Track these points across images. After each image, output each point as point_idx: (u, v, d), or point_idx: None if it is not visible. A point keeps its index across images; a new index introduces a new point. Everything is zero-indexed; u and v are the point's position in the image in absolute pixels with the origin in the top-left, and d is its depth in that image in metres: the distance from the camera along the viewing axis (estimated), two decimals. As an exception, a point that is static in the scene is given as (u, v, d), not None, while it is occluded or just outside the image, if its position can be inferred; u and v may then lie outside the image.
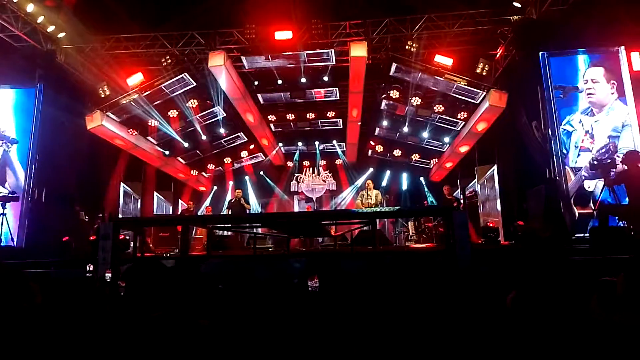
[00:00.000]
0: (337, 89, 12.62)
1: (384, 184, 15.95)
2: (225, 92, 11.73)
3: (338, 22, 10.69)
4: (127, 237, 9.41)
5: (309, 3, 10.42)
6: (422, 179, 15.94)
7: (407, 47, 10.55)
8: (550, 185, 9.01)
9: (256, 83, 12.19)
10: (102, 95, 11.25)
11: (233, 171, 16.55)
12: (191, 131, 13.27)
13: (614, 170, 7.23)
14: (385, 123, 13.36)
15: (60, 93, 10.67)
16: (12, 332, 2.25)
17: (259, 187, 16.90)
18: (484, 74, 10.57)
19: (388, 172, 16.22)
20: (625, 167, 6.46)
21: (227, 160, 15.76)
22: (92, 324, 2.44)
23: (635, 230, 5.98)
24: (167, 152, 13.60)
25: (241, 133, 14.49)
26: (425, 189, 15.71)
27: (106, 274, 5.61)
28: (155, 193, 15.06)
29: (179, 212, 15.07)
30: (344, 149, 16.21)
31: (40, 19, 10.09)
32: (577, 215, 8.53)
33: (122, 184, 13.57)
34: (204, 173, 16.16)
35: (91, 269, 5.80)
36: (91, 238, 8.73)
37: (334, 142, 16.15)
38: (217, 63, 10.43)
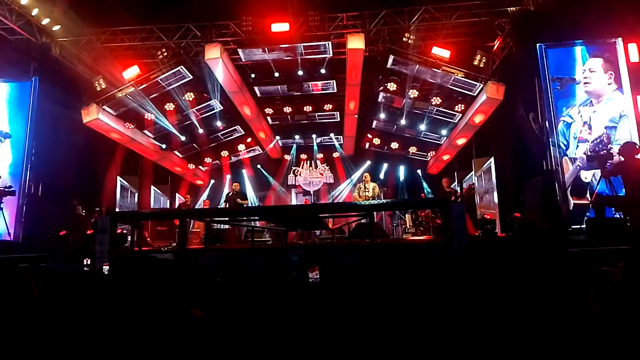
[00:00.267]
0: (334, 81, 12.58)
1: (381, 176, 15.95)
2: (222, 85, 11.67)
3: (335, 14, 10.64)
4: (125, 231, 9.41)
5: (306, -6, 10.36)
6: (419, 171, 15.94)
7: (404, 39, 10.52)
8: (547, 177, 9.04)
9: (253, 76, 12.14)
10: (98, 89, 11.19)
11: (230, 164, 16.52)
12: (188, 124, 13.22)
13: (611, 161, 7.24)
14: (382, 116, 13.35)
15: (56, 86, 10.60)
16: (10, 326, 2.25)
17: (257, 180, 16.88)
18: (482, 65, 10.57)
19: (385, 165, 16.22)
20: (622, 159, 6.47)
21: (224, 153, 15.72)
22: (89, 318, 2.44)
23: (631, 222, 6.00)
24: (163, 146, 13.57)
25: (238, 126, 14.45)
26: (423, 182, 15.72)
27: (103, 268, 5.61)
28: (152, 187, 15.03)
29: (176, 206, 15.05)
30: (341, 142, 16.19)
31: (35, 12, 10.00)
32: (572, 205, 8.56)
33: (119, 178, 13.53)
34: (201, 166, 16.13)
35: (88, 262, 5.80)
36: (88, 232, 8.73)
37: (332, 135, 16.12)
38: (214, 56, 10.37)
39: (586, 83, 9.10)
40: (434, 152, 15.03)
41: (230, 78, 11.32)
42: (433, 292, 2.12)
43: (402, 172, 16.34)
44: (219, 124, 13.75)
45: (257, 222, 11.02)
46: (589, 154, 8.28)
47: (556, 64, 9.29)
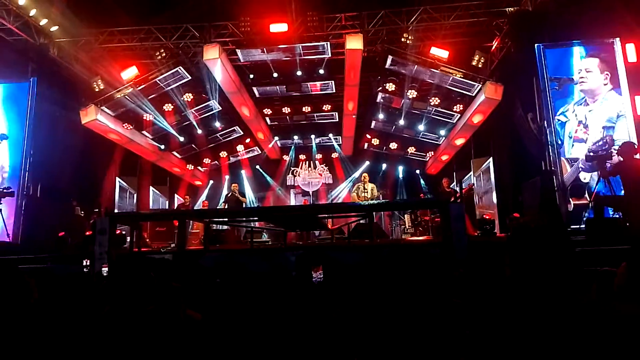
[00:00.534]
0: (333, 81, 12.59)
1: (380, 177, 15.95)
2: (221, 85, 11.66)
3: (333, 15, 10.63)
4: (124, 232, 9.39)
5: (304, -5, 10.36)
6: (418, 171, 15.96)
7: (402, 39, 10.53)
8: (546, 177, 9.04)
9: (251, 76, 12.14)
10: (97, 89, 11.17)
11: (229, 165, 16.51)
12: (186, 125, 13.21)
13: (610, 161, 7.25)
14: (381, 116, 13.36)
15: (54, 87, 10.58)
16: (10, 328, 2.24)
17: (255, 181, 16.88)
18: (480, 66, 10.57)
19: (384, 165, 16.23)
20: (621, 159, 6.48)
21: (223, 154, 15.71)
22: (88, 320, 2.43)
23: (630, 222, 6.01)
24: (162, 147, 13.55)
25: (237, 127, 14.44)
26: (422, 182, 15.73)
27: (103, 269, 5.61)
28: (151, 187, 15.01)
29: (175, 207, 15.03)
30: (340, 142, 16.19)
31: (33, 12, 9.97)
32: (572, 206, 8.57)
33: (117, 179, 13.51)
34: (199, 167, 16.12)
35: (88, 264, 5.79)
36: (87, 233, 8.71)
37: (330, 135, 16.13)
38: (212, 56, 10.37)
39: (582, 82, 9.12)
40: (432, 152, 15.04)
41: (229, 78, 11.32)
42: (433, 293, 2.12)
43: (400, 172, 16.35)
44: (217, 124, 13.74)
45: (256, 223, 11.02)
46: (590, 154, 8.26)
47: (554, 64, 9.30)
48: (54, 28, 10.48)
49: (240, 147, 15.64)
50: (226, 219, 9.78)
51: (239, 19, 10.45)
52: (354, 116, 13.57)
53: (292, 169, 16.50)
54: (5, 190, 8.94)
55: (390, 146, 15.05)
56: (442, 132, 13.39)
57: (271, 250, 8.78)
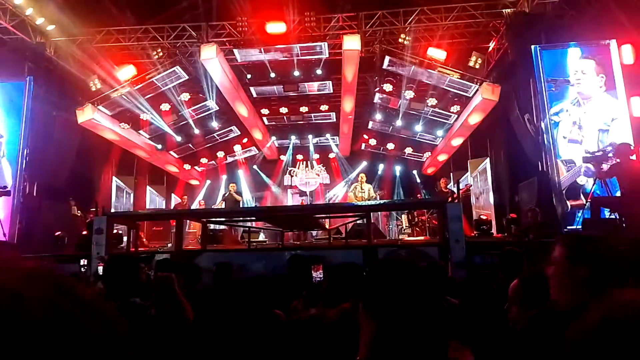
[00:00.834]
0: (330, 82, 12.59)
1: (377, 177, 15.97)
2: (218, 85, 11.65)
3: (331, 15, 10.65)
4: (120, 232, 9.37)
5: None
6: (415, 172, 15.99)
7: (400, 40, 10.55)
8: (543, 178, 9.07)
9: (249, 76, 12.12)
10: (93, 89, 11.13)
11: (226, 165, 16.49)
12: (184, 125, 13.19)
13: (606, 162, 7.28)
14: (378, 116, 13.37)
15: (50, 86, 10.54)
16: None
17: (253, 181, 16.86)
18: (477, 67, 10.59)
19: (381, 166, 16.25)
20: (617, 160, 6.51)
21: (220, 154, 15.69)
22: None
23: (627, 222, 6.04)
24: (159, 146, 13.52)
25: (234, 127, 14.42)
26: (419, 182, 15.75)
27: (99, 268, 5.59)
28: (148, 187, 14.98)
29: (172, 207, 15.00)
30: (337, 143, 16.19)
31: (29, 11, 9.94)
32: (569, 207, 8.60)
33: (114, 178, 13.47)
34: (196, 167, 16.09)
35: (85, 263, 5.77)
36: (84, 232, 8.68)
37: (328, 135, 16.13)
38: (209, 56, 10.35)
39: (577, 84, 9.15)
40: (429, 152, 15.07)
41: (226, 78, 11.30)
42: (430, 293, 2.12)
43: (398, 172, 16.37)
44: (214, 124, 13.72)
45: (254, 223, 11.01)
46: (587, 155, 8.24)
47: (551, 66, 9.33)
48: (51, 27, 10.45)
49: (237, 147, 15.64)
50: (223, 219, 9.77)
51: (237, 19, 10.45)
52: (351, 116, 13.58)
53: (290, 169, 16.50)
54: (1, 190, 8.90)
55: (387, 146, 15.07)
56: (440, 133, 13.42)
57: (268, 251, 8.79)
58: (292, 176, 16.37)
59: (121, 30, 11.04)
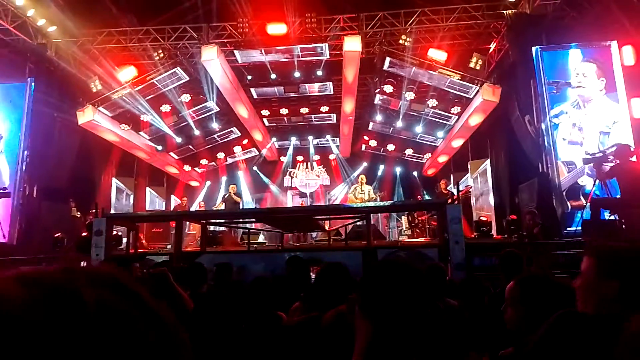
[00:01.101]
0: (330, 83, 12.58)
1: (377, 178, 15.95)
2: (218, 86, 11.65)
3: (332, 16, 10.65)
4: (120, 233, 9.36)
5: (303, -4, 10.36)
6: (415, 173, 15.97)
7: (400, 41, 10.55)
8: (543, 179, 9.06)
9: (249, 77, 12.12)
10: (94, 90, 11.13)
11: (226, 166, 16.48)
12: (184, 126, 13.18)
13: (606, 164, 7.26)
14: (379, 117, 13.36)
15: (51, 87, 10.56)
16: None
17: (253, 182, 16.86)
18: (478, 68, 10.59)
19: (382, 167, 16.24)
20: (617, 161, 6.50)
21: (221, 155, 15.66)
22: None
23: (626, 224, 6.02)
24: (159, 147, 13.51)
25: (234, 128, 14.40)
26: (419, 184, 15.74)
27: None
28: (148, 188, 14.97)
29: (172, 208, 15.00)
30: (338, 144, 16.19)
31: (31, 13, 9.96)
32: (570, 207, 8.58)
33: (114, 180, 13.47)
34: (197, 168, 16.07)
35: (85, 265, 5.76)
36: (83, 234, 8.68)
37: (328, 136, 16.12)
38: (210, 57, 10.35)
39: (578, 86, 9.14)
40: (430, 154, 15.05)
41: (227, 79, 11.30)
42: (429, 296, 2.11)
43: (398, 174, 16.36)
44: (215, 125, 13.71)
45: (254, 224, 11.00)
46: (587, 157, 8.23)
47: (552, 67, 9.32)
48: (52, 28, 10.47)
49: (237, 148, 15.61)
50: (223, 221, 9.76)
51: (238, 20, 10.45)
52: (351, 118, 13.58)
53: (290, 170, 16.49)
54: (1, 191, 8.90)
55: (387, 148, 15.05)
56: (440, 134, 13.40)
57: (268, 252, 8.77)
58: (292, 177, 16.36)
59: (122, 31, 11.05)
